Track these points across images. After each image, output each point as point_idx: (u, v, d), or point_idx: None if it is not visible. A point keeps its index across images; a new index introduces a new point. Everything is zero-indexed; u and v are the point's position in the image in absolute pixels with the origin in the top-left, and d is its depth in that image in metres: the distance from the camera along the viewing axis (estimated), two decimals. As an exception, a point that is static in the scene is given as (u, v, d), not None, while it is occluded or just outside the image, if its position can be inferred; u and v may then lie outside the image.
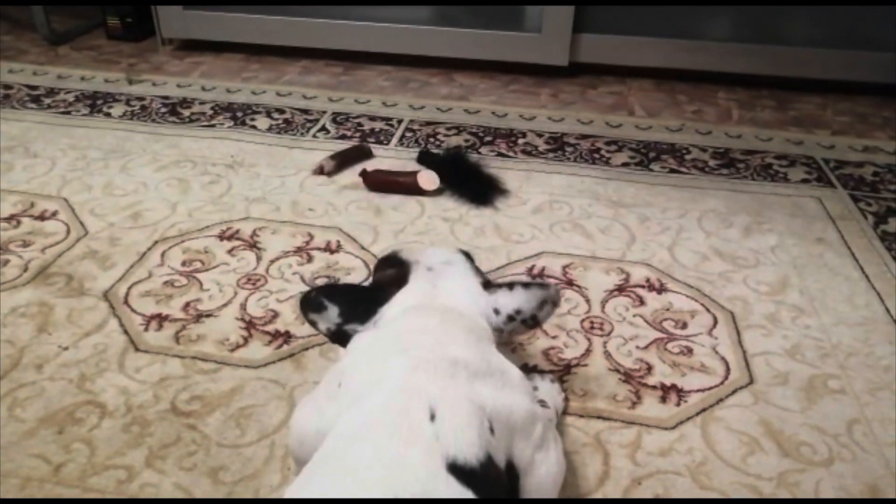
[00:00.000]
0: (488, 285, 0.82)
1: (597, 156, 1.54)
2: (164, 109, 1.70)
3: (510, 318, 0.79)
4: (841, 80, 1.88)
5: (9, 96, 1.75)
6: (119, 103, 1.73)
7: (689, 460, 0.83)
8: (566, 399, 0.90)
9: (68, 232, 1.22)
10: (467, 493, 0.57)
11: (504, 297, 0.80)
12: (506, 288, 0.81)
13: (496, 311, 0.79)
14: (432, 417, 0.61)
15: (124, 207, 1.29)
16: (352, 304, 0.81)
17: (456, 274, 0.83)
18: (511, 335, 0.86)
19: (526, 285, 0.80)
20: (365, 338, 0.76)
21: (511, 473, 0.65)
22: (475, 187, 1.36)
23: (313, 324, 0.80)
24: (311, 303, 0.79)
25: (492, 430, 0.64)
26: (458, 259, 0.86)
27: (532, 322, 0.80)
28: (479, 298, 0.80)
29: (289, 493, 0.61)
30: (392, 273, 0.85)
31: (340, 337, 0.79)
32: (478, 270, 0.86)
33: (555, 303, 0.80)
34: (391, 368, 0.67)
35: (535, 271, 1.15)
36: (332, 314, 0.79)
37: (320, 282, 1.11)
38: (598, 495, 0.79)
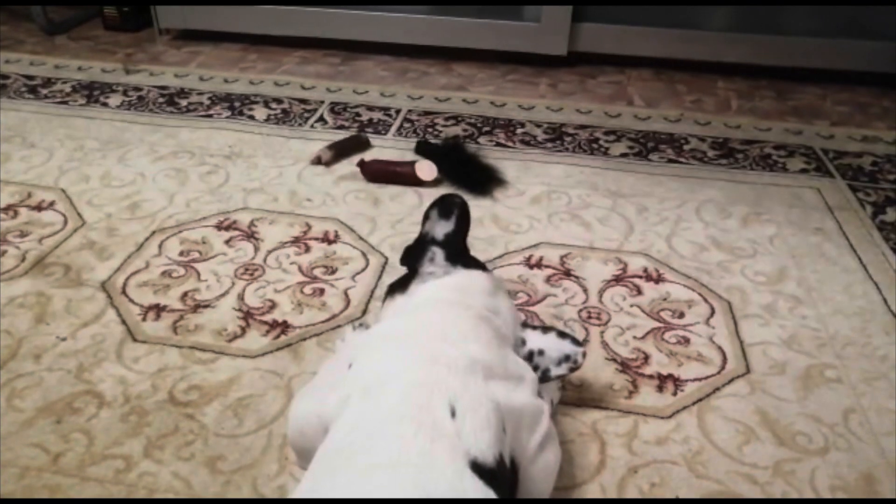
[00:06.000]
0: (525, 325, 0.84)
1: (595, 146, 1.54)
2: (161, 100, 1.70)
3: (530, 356, 0.80)
4: (840, 70, 1.87)
5: (6, 86, 1.74)
6: (116, 94, 1.72)
7: (686, 449, 0.84)
8: (563, 388, 0.91)
9: (66, 222, 1.22)
10: (489, 494, 0.57)
11: (536, 335, 0.81)
12: (541, 329, 0.82)
13: (522, 342, 0.80)
14: (453, 414, 0.61)
15: (122, 198, 1.29)
16: (462, 234, 0.84)
17: (509, 301, 0.85)
18: None
19: (561, 334, 0.81)
20: (386, 323, 0.77)
21: (512, 469, 0.66)
22: (473, 177, 1.36)
23: (427, 217, 0.83)
24: (448, 202, 0.83)
25: (504, 430, 0.64)
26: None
27: (542, 376, 0.79)
28: (516, 326, 0.82)
29: (305, 488, 0.59)
30: (477, 260, 0.88)
31: (422, 250, 0.82)
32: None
33: (575, 363, 0.79)
34: (409, 359, 0.67)
35: (533, 261, 1.15)
36: (448, 227, 0.83)
37: (318, 272, 1.11)
38: (595, 484, 0.79)
